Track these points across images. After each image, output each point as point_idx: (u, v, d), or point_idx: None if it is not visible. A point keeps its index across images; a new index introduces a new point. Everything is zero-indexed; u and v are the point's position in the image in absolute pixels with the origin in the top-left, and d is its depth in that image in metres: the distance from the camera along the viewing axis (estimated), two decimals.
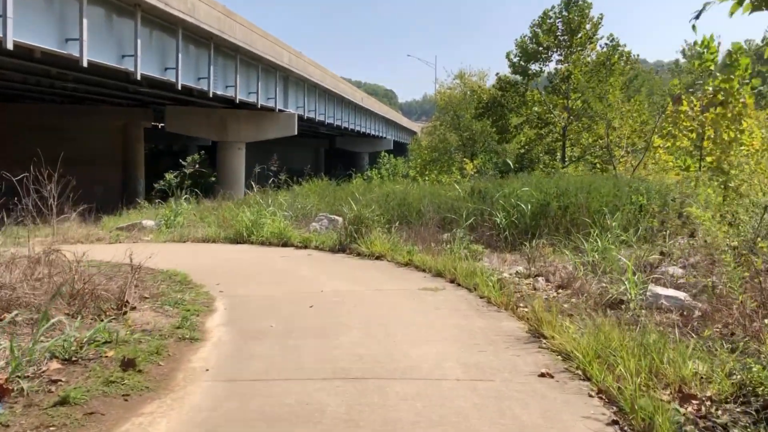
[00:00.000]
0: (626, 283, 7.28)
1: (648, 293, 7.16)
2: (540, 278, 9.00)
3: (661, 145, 15.51)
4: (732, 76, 13.78)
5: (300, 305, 7.71)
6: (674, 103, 15.29)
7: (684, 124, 14.58)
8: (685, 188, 10.90)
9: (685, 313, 6.65)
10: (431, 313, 7.29)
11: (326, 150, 73.12)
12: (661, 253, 9.19)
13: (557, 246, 10.61)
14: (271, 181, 17.28)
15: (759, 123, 13.82)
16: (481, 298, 8.00)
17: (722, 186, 12.42)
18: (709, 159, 14.26)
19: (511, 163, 20.15)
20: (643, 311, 6.73)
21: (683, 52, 59.55)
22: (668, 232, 9.48)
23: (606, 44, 29.36)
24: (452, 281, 9.10)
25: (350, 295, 8.35)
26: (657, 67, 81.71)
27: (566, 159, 28.41)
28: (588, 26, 29.04)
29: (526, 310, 7.13)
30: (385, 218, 13.61)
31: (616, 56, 27.78)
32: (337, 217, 14.53)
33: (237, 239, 13.87)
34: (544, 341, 6.03)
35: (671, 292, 7.19)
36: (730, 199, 12.42)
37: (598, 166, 22.31)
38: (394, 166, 45.93)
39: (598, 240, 9.52)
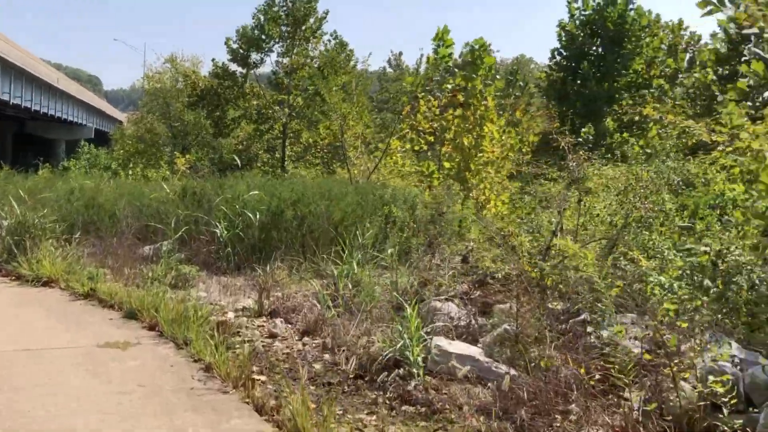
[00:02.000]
0: (404, 334, 5.19)
1: (434, 350, 5.16)
2: (278, 320, 6.58)
3: (399, 148, 14.16)
4: (474, 75, 12.85)
5: None
6: (411, 103, 14.03)
7: (422, 126, 13.33)
8: (440, 199, 9.37)
9: (490, 384, 4.74)
10: (111, 407, 4.41)
11: (15, 135, 62.69)
12: (425, 282, 7.38)
13: (296, 268, 8.31)
14: None
15: (500, 129, 13.08)
16: (195, 361, 5.31)
17: (464, 197, 11.24)
18: (447, 165, 13.18)
19: (238, 159, 17.45)
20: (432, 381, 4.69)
21: (389, 62, 60.50)
22: (436, 252, 7.73)
23: (330, 40, 28.25)
24: (152, 328, 6.24)
25: None
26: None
27: (286, 158, 26.60)
28: (312, 20, 27.58)
29: (270, 389, 4.66)
30: (64, 225, 10.11)
31: (343, 55, 26.71)
32: None
33: None
34: None
35: (462, 347, 5.27)
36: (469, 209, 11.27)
37: (332, 167, 20.71)
38: (95, 157, 40.09)
39: (353, 262, 7.40)
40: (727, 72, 26.57)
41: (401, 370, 4.96)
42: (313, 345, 5.91)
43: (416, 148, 13.26)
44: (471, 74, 12.72)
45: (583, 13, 26.54)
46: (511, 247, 6.53)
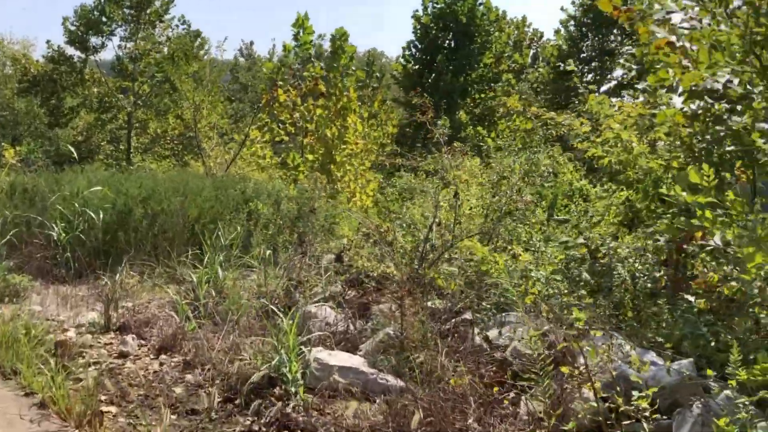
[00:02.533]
0: (279, 349, 4.65)
1: (313, 364, 4.66)
2: (129, 336, 5.78)
3: (258, 139, 13.41)
4: (335, 65, 12.41)
5: None
6: (269, 92, 13.35)
7: (283, 116, 12.71)
8: (309, 193, 8.82)
9: (378, 400, 4.33)
10: None
11: None
12: (296, 284, 6.86)
13: (149, 274, 7.46)
14: None
15: (363, 120, 12.74)
16: (27, 395, 4.46)
17: (335, 191, 10.80)
18: (311, 157, 12.67)
19: (74, 151, 15.79)
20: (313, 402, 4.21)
21: (240, 51, 58.38)
22: (307, 251, 7.20)
23: (178, 25, 26.63)
24: None
25: None
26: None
27: (132, 150, 24.80)
28: (158, 3, 25.85)
29: (122, 423, 3.95)
30: None
31: (197, 42, 25.27)
32: None
33: None
34: None
35: (344, 357, 4.81)
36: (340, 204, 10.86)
37: (184, 159, 19.43)
38: None
39: (215, 265, 6.71)
40: (567, 68, 28.09)
41: (278, 390, 4.44)
42: (172, 364, 5.21)
43: (277, 138, 12.61)
44: (332, 63, 12.28)
45: (435, 5, 26.90)
46: (388, 244, 6.16)
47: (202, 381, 4.78)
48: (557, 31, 28.76)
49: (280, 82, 13.15)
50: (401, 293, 5.05)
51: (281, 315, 5.12)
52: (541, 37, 32.52)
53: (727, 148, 6.53)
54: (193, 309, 6.13)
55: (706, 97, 6.15)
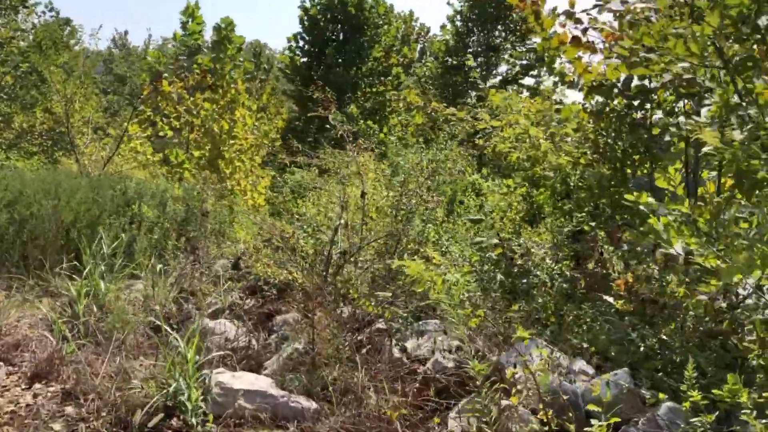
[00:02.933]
0: (175, 373, 4.13)
1: (215, 389, 4.17)
2: None
3: (138, 134, 12.46)
4: (222, 56, 11.72)
5: None
6: (152, 83, 12.45)
7: (167, 109, 11.88)
8: (199, 195, 8.17)
9: (291, 427, 3.90)
10: None
11: None
12: (189, 294, 6.28)
13: (18, 288, 6.61)
14: None
15: (253, 114, 12.10)
16: None
17: (227, 190, 10.17)
18: (197, 153, 11.92)
19: None
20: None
21: (114, 41, 55.29)
22: (200, 257, 6.61)
23: (44, 12, 24.62)
24: None
25: None
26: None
27: None
28: None
29: None
30: None
31: (67, 30, 23.40)
32: None
33: None
34: None
35: (249, 379, 4.34)
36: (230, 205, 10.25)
37: (54, 157, 17.88)
38: None
39: (96, 276, 6.01)
40: (455, 63, 28.47)
41: (176, 421, 3.92)
42: (49, 394, 4.54)
43: (161, 134, 11.77)
44: (219, 54, 11.59)
45: None
46: (291, 249, 5.72)
47: (86, 414, 4.17)
48: (443, 26, 29.06)
49: (165, 73, 12.28)
50: (312, 305, 4.65)
51: (174, 332, 4.60)
52: (428, 32, 32.84)
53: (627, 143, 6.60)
54: (71, 327, 5.43)
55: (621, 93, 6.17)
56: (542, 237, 6.77)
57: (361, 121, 23.23)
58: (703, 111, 5.36)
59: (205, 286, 6.38)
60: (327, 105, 5.93)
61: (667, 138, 6.77)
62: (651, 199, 2.69)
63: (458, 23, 28.18)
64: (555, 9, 6.14)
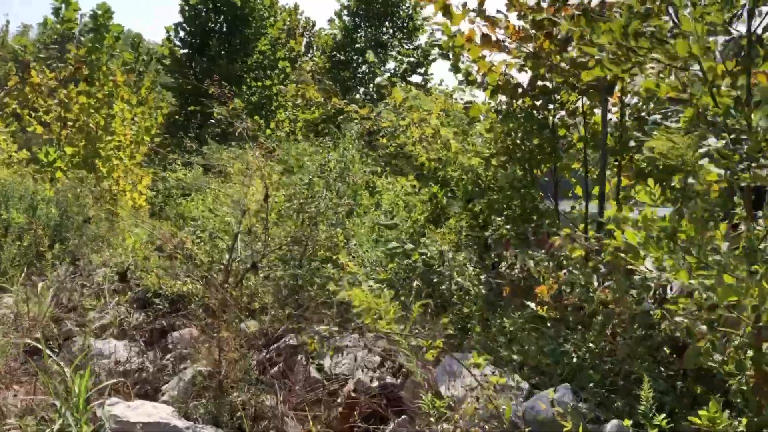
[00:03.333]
0: (60, 407, 3.57)
1: (110, 423, 3.64)
2: None
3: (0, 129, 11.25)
4: (99, 46, 10.80)
5: None
6: (18, 73, 11.29)
7: (37, 102, 10.80)
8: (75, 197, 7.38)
9: None
10: None
11: None
12: (70, 311, 5.61)
13: None
14: None
15: (131, 108, 11.22)
16: None
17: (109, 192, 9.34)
18: (70, 150, 10.92)
19: None
20: None
21: None
22: (82, 267, 5.92)
23: None
24: None
25: None
26: None
27: None
28: None
29: None
30: None
31: None
32: None
33: None
34: None
35: (147, 409, 3.83)
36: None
37: None
38: None
39: None
40: (343, 58, 28.18)
41: None
42: None
43: (29, 128, 10.67)
44: (95, 44, 10.66)
45: None
46: (187, 257, 5.22)
47: None
48: (331, 21, 28.71)
49: (34, 63, 11.17)
50: (216, 321, 4.20)
51: (55, 356, 4.03)
52: (314, 26, 32.33)
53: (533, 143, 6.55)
54: None
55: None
56: (446, 237, 6.62)
57: (247, 116, 22.46)
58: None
59: (87, 300, 5.73)
60: (225, 99, 5.47)
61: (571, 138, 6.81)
62: (633, 214, 2.51)
63: (346, 18, 27.92)
64: (465, 4, 5.97)
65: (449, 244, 5.93)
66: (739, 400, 2.35)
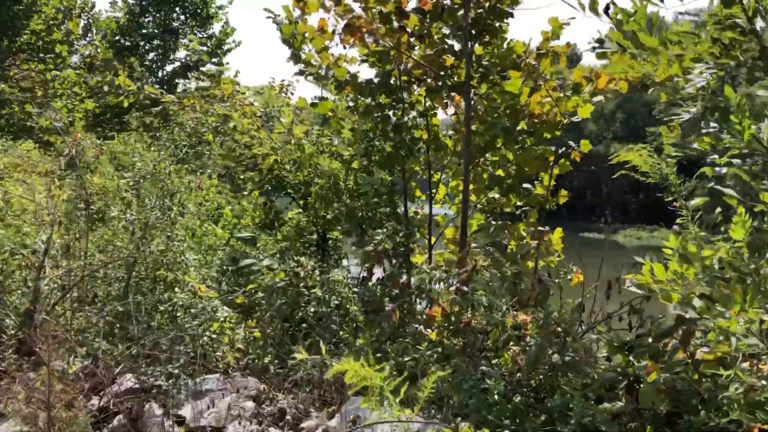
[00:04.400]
0: None
1: None
2: None
3: None
4: None
5: None
6: None
7: None
8: None
9: None
10: None
11: None
12: None
13: None
14: None
15: None
16: None
17: None
18: None
19: None
20: None
21: None
22: None
23: None
24: None
25: None
26: None
27: None
28: None
29: None
30: None
31: None
32: None
33: None
34: None
35: None
36: None
37: None
38: None
39: None
40: (128, 44, 25.80)
41: None
42: None
43: None
44: None
45: None
46: None
47: None
48: (113, 3, 26.22)
49: None
50: (41, 360, 3.20)
51: None
52: (93, 7, 29.33)
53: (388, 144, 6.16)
54: None
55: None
56: (279, 246, 6.10)
57: (16, 105, 19.62)
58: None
59: None
60: (42, 84, 4.34)
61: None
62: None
63: (131, 1, 25.66)
64: None
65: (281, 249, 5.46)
66: None
